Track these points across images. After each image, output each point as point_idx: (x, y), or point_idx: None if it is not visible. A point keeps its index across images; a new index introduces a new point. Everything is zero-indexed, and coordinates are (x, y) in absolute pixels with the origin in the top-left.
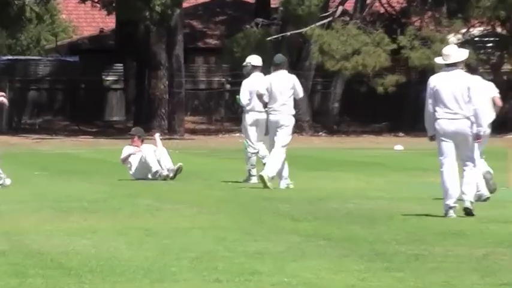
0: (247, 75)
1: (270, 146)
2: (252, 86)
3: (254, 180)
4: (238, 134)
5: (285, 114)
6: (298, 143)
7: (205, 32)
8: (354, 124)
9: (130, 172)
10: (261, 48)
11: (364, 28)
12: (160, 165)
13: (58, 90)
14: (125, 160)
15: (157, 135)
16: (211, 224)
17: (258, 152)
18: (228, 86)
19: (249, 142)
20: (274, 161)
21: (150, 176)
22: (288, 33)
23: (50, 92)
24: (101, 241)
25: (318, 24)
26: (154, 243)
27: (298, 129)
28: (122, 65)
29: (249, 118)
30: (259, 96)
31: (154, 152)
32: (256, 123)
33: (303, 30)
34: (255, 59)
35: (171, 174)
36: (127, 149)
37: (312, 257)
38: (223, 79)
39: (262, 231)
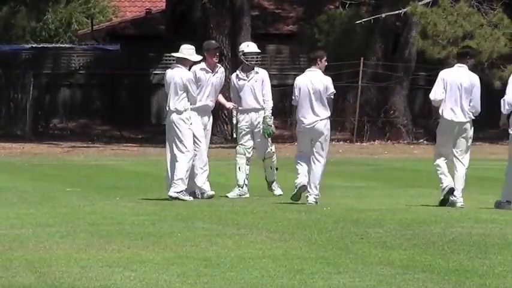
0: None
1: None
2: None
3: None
4: None
5: None
6: (393, 153)
7: (279, 14)
8: None
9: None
10: (349, 34)
11: (478, 6)
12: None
13: (95, 86)
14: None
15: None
16: (285, 252)
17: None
18: None
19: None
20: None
21: None
22: (383, 15)
23: (85, 89)
24: (148, 273)
25: (421, 3)
26: (215, 277)
27: (393, 136)
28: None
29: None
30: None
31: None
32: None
33: (402, 11)
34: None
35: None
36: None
37: None
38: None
39: (348, 261)
